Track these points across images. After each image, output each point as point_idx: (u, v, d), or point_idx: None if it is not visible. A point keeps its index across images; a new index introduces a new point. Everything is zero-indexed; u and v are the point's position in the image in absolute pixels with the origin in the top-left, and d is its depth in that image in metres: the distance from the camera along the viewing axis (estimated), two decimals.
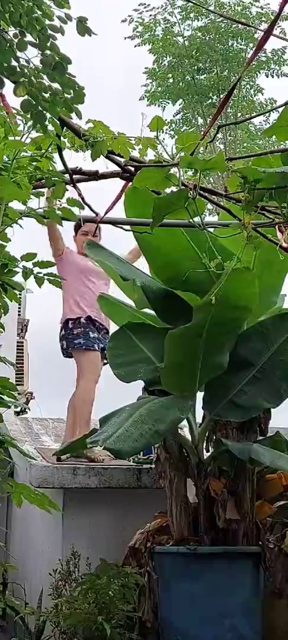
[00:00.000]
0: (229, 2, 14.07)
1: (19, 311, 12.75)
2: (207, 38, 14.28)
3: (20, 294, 2.68)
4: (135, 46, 14.23)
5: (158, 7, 14.13)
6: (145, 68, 14.61)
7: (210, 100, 14.59)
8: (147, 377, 4.14)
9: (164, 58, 14.45)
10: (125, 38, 14.16)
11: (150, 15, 14.09)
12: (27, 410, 7.66)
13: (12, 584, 5.34)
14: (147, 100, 14.64)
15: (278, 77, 14.34)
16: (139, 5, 14.14)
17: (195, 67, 14.43)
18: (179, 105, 14.88)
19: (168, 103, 14.79)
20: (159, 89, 14.67)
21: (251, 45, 14.04)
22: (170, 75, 14.56)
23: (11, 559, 5.41)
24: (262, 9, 13.87)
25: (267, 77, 14.46)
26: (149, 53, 14.33)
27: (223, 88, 14.03)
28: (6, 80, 2.00)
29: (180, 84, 14.58)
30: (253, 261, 3.87)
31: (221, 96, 13.89)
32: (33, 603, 4.62)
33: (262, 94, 14.74)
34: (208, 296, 3.16)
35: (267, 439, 4.16)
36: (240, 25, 13.59)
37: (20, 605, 4.65)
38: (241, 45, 14.30)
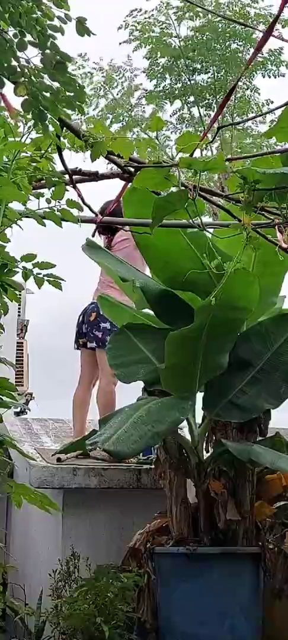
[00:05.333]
0: (226, 3, 14.04)
1: (19, 311, 12.76)
2: (204, 39, 14.25)
3: (20, 295, 2.68)
4: (133, 50, 14.20)
5: (153, 10, 14.08)
6: (144, 69, 14.60)
7: (206, 101, 14.58)
8: (146, 377, 4.14)
9: (161, 59, 14.41)
10: (120, 43, 14.12)
11: (145, 18, 14.02)
12: (26, 410, 7.68)
13: (11, 584, 5.34)
14: (145, 101, 14.62)
15: (275, 77, 14.31)
16: (132, 11, 14.07)
17: (192, 67, 14.40)
18: (176, 106, 14.87)
19: (166, 103, 14.78)
20: (156, 89, 14.64)
21: (249, 46, 14.01)
22: (166, 76, 14.53)
23: (11, 559, 5.40)
24: (261, 11, 13.85)
25: (264, 77, 14.44)
26: (143, 58, 14.32)
27: (220, 89, 14.02)
28: (7, 81, 2.00)
29: (177, 84, 14.56)
30: (253, 262, 3.87)
31: (218, 97, 13.87)
32: (33, 603, 4.61)
33: (259, 94, 14.75)
34: (209, 298, 3.16)
35: (266, 439, 4.16)
36: (237, 25, 13.56)
37: (20, 606, 4.65)
38: (238, 45, 14.28)
